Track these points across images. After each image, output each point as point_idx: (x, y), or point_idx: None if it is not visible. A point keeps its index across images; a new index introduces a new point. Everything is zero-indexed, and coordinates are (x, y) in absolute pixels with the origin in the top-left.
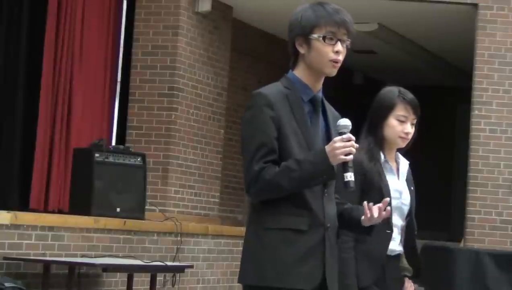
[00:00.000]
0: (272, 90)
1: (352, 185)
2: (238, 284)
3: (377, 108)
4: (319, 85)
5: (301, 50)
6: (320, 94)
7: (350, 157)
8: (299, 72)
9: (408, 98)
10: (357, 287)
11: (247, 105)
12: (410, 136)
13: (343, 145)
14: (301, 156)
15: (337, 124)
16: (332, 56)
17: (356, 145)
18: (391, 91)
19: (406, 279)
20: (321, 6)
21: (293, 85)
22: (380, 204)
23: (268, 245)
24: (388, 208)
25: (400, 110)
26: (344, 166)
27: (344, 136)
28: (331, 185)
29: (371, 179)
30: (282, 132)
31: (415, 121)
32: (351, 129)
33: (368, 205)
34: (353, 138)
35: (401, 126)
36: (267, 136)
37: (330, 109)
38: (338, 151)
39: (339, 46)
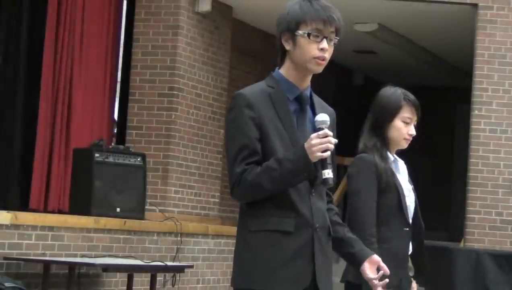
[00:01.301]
0: (254, 90)
1: (331, 182)
2: None
3: (382, 110)
4: (306, 83)
5: (287, 46)
6: (308, 92)
7: (327, 153)
8: (285, 70)
9: (412, 99)
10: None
11: (230, 106)
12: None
13: (319, 141)
14: (281, 155)
15: (315, 119)
16: (317, 53)
17: (334, 140)
18: (395, 92)
19: (412, 279)
20: (309, 2)
21: (277, 84)
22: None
23: (254, 248)
24: (387, 280)
25: (406, 112)
26: (323, 163)
27: (320, 132)
28: (319, 184)
29: (387, 179)
30: (264, 132)
31: (416, 122)
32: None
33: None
34: (330, 133)
35: (406, 128)
36: (248, 137)
37: (322, 106)
38: (315, 148)
39: (324, 44)
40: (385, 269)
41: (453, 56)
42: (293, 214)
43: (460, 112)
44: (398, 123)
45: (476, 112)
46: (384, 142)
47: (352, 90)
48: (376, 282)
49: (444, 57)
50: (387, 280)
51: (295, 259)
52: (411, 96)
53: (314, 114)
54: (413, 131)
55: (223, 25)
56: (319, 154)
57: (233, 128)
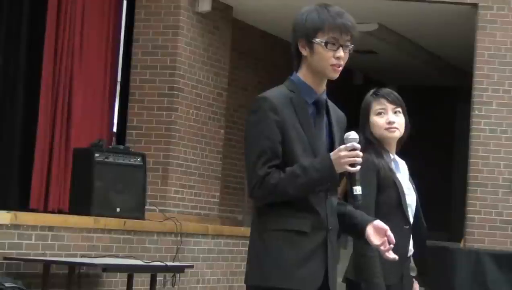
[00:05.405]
0: (276, 94)
1: (360, 198)
2: (238, 284)
3: (360, 114)
4: (323, 87)
5: (304, 52)
6: (324, 96)
7: (356, 168)
8: (303, 74)
9: (381, 92)
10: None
11: (252, 109)
12: (397, 125)
13: (347, 154)
14: (306, 162)
15: (345, 137)
16: (334, 61)
17: (361, 154)
18: (368, 94)
19: (414, 279)
20: (326, 9)
21: (297, 88)
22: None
23: (272, 246)
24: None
25: (375, 105)
26: (351, 179)
27: (348, 144)
28: (334, 189)
29: (385, 175)
30: (286, 135)
31: (398, 110)
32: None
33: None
34: (358, 146)
35: (381, 118)
36: (272, 141)
37: (334, 110)
38: (343, 161)
39: (340, 52)
40: (391, 238)
41: (453, 56)
42: (310, 215)
43: (460, 112)
44: (373, 118)
45: (476, 112)
46: (371, 142)
47: (352, 90)
48: (382, 248)
49: (444, 57)
50: (392, 245)
51: (310, 259)
52: (382, 90)
53: (329, 118)
54: (390, 119)
55: (223, 25)
56: (347, 167)
57: (256, 131)
